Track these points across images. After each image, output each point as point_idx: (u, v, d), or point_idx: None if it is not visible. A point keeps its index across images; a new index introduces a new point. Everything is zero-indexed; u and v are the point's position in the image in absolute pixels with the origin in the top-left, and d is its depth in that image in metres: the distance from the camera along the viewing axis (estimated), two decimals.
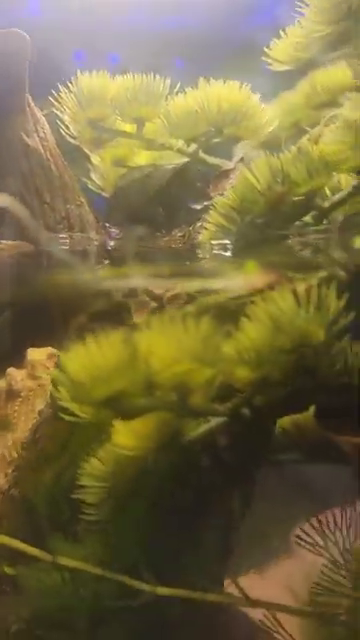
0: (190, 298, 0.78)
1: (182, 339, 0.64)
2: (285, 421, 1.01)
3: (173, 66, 1.29)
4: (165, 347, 0.63)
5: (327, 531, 0.75)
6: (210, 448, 0.86)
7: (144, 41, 1.29)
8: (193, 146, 1.04)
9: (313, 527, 0.75)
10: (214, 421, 0.77)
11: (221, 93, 0.93)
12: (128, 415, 0.66)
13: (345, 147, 0.80)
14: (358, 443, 0.78)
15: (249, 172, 0.84)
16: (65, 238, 0.97)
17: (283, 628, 0.72)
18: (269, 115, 0.98)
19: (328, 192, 0.93)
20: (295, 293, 0.68)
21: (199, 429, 0.75)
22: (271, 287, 0.65)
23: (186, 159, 0.98)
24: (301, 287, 0.67)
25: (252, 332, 0.69)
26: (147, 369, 0.63)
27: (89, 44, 1.18)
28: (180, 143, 1.04)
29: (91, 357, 0.62)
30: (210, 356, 0.65)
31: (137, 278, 0.76)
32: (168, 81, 0.97)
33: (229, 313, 0.69)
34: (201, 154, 1.05)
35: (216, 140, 1.01)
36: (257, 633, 0.84)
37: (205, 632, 0.84)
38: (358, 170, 0.88)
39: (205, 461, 0.86)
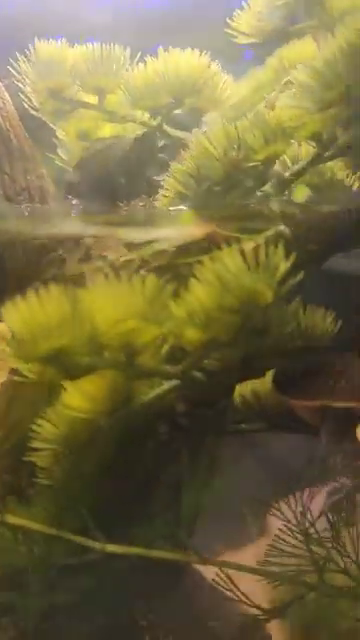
0: (144, 263, 0.78)
1: (127, 297, 0.64)
2: (245, 389, 1.03)
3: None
4: (110, 305, 0.63)
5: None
6: (166, 413, 0.88)
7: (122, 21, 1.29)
8: (158, 119, 1.05)
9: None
10: (167, 384, 0.78)
11: (179, 61, 0.93)
12: (74, 374, 0.66)
13: (301, 112, 0.81)
14: (314, 407, 0.78)
15: (205, 139, 0.84)
16: (25, 209, 0.97)
17: (237, 587, 0.72)
18: (232, 85, 0.99)
19: (289, 162, 0.95)
20: (242, 252, 0.68)
21: (152, 392, 0.77)
22: (210, 238, 0.65)
23: (145, 129, 0.98)
24: (248, 246, 0.67)
25: (200, 293, 0.69)
26: (91, 326, 0.64)
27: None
28: (142, 115, 1.05)
29: (32, 312, 0.62)
30: (156, 315, 0.65)
31: (70, 225, 0.76)
32: (128, 50, 0.97)
33: (176, 272, 0.69)
34: (165, 127, 1.06)
35: (178, 111, 1.02)
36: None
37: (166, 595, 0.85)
38: (317, 137, 0.89)
39: (160, 425, 0.87)
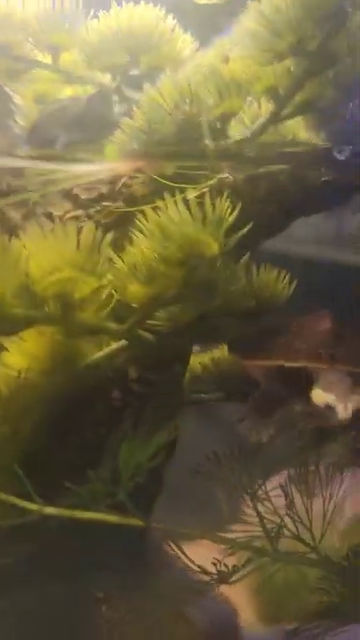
0: (89, 219, 0.75)
1: (62, 246, 0.62)
2: (205, 357, 1.01)
3: None
4: (44, 253, 0.61)
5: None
6: (118, 377, 0.85)
7: None
8: (117, 79, 1.02)
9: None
10: (115, 344, 0.75)
11: (133, 15, 0.90)
12: (8, 327, 0.64)
13: (253, 63, 0.78)
14: (266, 367, 0.76)
15: (156, 92, 0.81)
16: None
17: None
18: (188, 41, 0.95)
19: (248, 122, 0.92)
20: (186, 202, 0.66)
21: (99, 353, 0.74)
22: (136, 172, 0.63)
23: (99, 89, 0.95)
24: (192, 195, 0.65)
25: (142, 244, 0.66)
26: (25, 276, 0.61)
27: None
28: (102, 76, 1.02)
29: None
30: (94, 265, 0.62)
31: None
32: (81, 5, 0.94)
33: (115, 222, 0.67)
34: (123, 88, 1.03)
35: (135, 72, 0.99)
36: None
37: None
38: (273, 93, 0.86)
39: (112, 391, 0.84)
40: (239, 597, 1.16)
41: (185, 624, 0.99)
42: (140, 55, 0.96)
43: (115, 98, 1.02)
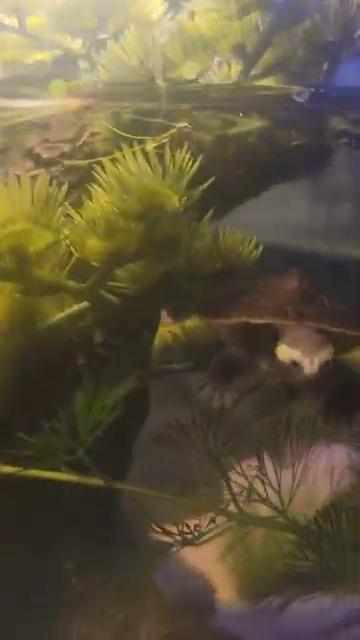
0: (53, 178, 0.73)
1: (16, 198, 0.59)
2: (175, 327, 0.99)
3: None
4: None
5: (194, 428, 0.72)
6: (83, 342, 0.83)
7: None
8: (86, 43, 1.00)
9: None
10: (77, 306, 0.74)
11: None
12: None
13: (219, 16, 0.76)
14: (232, 324, 0.74)
15: (119, 48, 0.79)
16: None
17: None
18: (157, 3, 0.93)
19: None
20: (145, 154, 0.64)
21: (59, 314, 0.72)
22: (85, 109, 0.61)
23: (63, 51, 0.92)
24: (151, 146, 0.63)
25: (101, 198, 0.65)
26: None
27: None
28: (71, 40, 1.00)
29: None
30: (48, 218, 0.60)
31: None
32: None
33: (78, 182, 0.65)
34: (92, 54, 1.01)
35: (104, 35, 0.97)
36: None
37: None
38: (241, 50, 0.84)
39: (77, 356, 0.82)
40: (216, 574, 1.16)
41: (155, 595, 0.98)
42: (108, 18, 0.94)
43: (86, 65, 1.01)
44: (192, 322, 1.00)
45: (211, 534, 0.68)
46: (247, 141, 0.88)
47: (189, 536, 0.65)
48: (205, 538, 0.68)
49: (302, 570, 0.71)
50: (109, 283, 0.77)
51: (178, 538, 0.66)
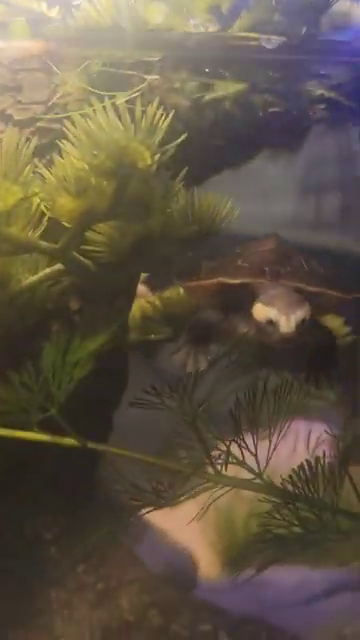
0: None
1: None
2: (154, 297, 0.99)
3: None
4: None
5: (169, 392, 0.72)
6: (59, 309, 0.83)
7: None
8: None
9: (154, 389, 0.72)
10: (50, 268, 0.73)
11: None
12: None
13: None
14: (209, 285, 0.74)
15: (92, 8, 0.78)
16: None
17: (121, 474, 0.69)
18: None
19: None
20: (116, 108, 0.63)
21: (32, 277, 0.71)
22: (48, 53, 0.60)
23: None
24: (121, 100, 0.62)
25: (71, 154, 0.64)
26: None
27: None
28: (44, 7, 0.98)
29: None
30: (16, 173, 0.59)
31: None
32: None
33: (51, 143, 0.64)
34: None
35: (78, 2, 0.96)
36: None
37: None
38: (217, 11, 0.83)
39: (53, 322, 0.82)
40: (199, 549, 1.16)
41: (136, 566, 0.98)
42: None
43: None
44: (170, 292, 1.00)
45: (187, 495, 0.69)
46: (224, 108, 0.87)
47: (164, 494, 0.65)
48: (181, 499, 0.68)
49: (280, 532, 0.71)
50: (84, 247, 0.77)
51: (153, 497, 0.65)
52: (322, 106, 0.89)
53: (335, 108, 0.91)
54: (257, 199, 1.07)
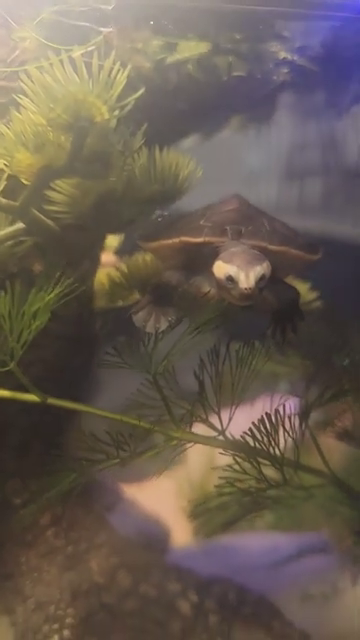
0: None
1: None
2: (121, 264, 0.99)
3: None
4: None
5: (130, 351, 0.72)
6: (21, 270, 0.82)
7: None
8: None
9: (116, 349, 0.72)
10: (12, 227, 0.72)
11: None
12: None
13: None
14: (171, 245, 0.73)
15: None
16: None
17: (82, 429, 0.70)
18: None
19: None
20: (73, 62, 0.63)
21: None
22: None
23: None
24: (77, 54, 0.62)
25: (28, 109, 0.63)
26: None
27: None
28: None
29: None
30: None
31: None
32: None
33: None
34: None
35: None
36: None
37: None
38: None
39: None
40: (170, 516, 1.17)
41: (105, 530, 0.99)
42: None
43: None
44: (137, 257, 1.00)
45: (151, 452, 0.69)
46: (187, 71, 0.87)
47: (125, 447, 0.66)
48: (145, 456, 0.68)
49: (243, 486, 0.72)
50: (46, 207, 0.77)
51: (113, 451, 0.66)
52: (286, 70, 0.90)
53: (299, 72, 0.91)
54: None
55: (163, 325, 0.74)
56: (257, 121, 1.11)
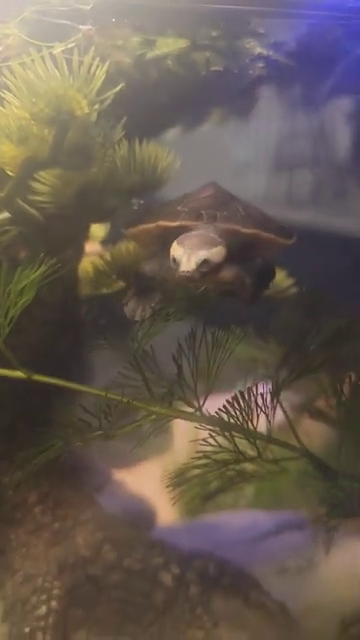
0: None
1: None
2: (105, 252, 1.02)
3: None
4: None
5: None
6: (6, 258, 0.85)
7: None
8: None
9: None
10: None
11: None
12: None
13: None
14: (149, 231, 0.76)
15: None
16: None
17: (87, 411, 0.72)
18: None
19: None
20: (54, 58, 0.66)
21: None
22: None
23: None
24: (58, 50, 0.65)
25: (11, 103, 0.67)
26: None
27: None
28: None
29: None
30: None
31: None
32: None
33: None
34: None
35: None
36: None
37: None
38: None
39: None
40: (156, 495, 1.22)
41: (91, 507, 1.02)
42: None
43: None
44: (120, 246, 1.03)
45: (132, 425, 0.73)
46: (167, 66, 0.90)
47: (109, 419, 0.70)
48: (126, 428, 0.72)
49: (218, 457, 0.76)
50: (31, 198, 0.80)
51: (97, 422, 0.70)
52: (261, 64, 0.93)
53: (274, 67, 0.95)
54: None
55: (148, 313, 0.78)
56: (237, 114, 1.15)
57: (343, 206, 1.28)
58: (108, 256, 1.01)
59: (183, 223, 0.74)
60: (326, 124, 1.18)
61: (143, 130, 0.84)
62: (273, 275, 0.81)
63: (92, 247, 1.06)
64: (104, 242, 1.05)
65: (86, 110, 0.67)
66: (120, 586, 0.94)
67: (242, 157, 1.28)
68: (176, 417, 0.75)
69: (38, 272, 0.64)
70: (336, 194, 1.27)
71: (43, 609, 0.90)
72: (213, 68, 0.93)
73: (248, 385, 0.82)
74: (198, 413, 0.77)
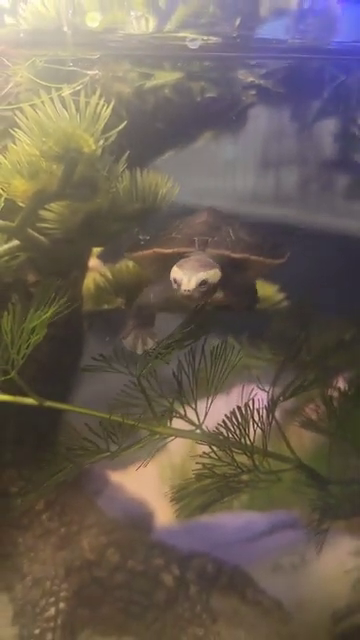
0: None
1: None
2: (106, 269, 1.06)
3: None
4: None
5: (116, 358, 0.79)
6: (16, 281, 0.90)
7: None
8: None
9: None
10: (7, 245, 0.80)
11: None
12: None
13: None
14: (147, 257, 0.81)
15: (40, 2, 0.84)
16: None
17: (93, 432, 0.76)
18: None
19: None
20: (62, 99, 0.70)
21: None
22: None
23: None
24: (66, 92, 0.69)
25: (23, 141, 0.70)
26: None
27: None
28: None
29: None
30: None
31: None
32: None
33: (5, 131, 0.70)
34: None
35: None
36: None
37: None
38: (156, 5, 0.89)
39: (11, 295, 0.89)
40: (154, 499, 1.26)
41: (95, 512, 1.07)
42: None
43: (12, 21, 1.04)
44: (121, 265, 1.07)
45: (136, 446, 0.77)
46: (164, 94, 0.94)
47: (114, 439, 0.73)
48: (131, 449, 0.76)
49: (219, 471, 0.80)
50: (39, 225, 0.84)
51: (104, 443, 0.74)
52: (253, 92, 0.97)
53: (265, 94, 0.99)
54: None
55: (150, 345, 0.81)
56: (229, 133, 1.19)
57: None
58: (109, 274, 1.06)
59: (176, 250, 0.79)
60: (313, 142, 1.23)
61: (141, 156, 0.88)
62: (255, 293, 0.86)
63: (91, 262, 1.10)
64: (104, 258, 1.10)
65: (92, 147, 0.70)
66: (124, 586, 0.99)
67: (234, 155, 1.31)
68: (178, 436, 0.80)
69: (49, 313, 0.68)
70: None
71: (52, 611, 0.95)
72: (208, 95, 0.97)
73: (242, 392, 0.88)
74: (199, 431, 0.82)
